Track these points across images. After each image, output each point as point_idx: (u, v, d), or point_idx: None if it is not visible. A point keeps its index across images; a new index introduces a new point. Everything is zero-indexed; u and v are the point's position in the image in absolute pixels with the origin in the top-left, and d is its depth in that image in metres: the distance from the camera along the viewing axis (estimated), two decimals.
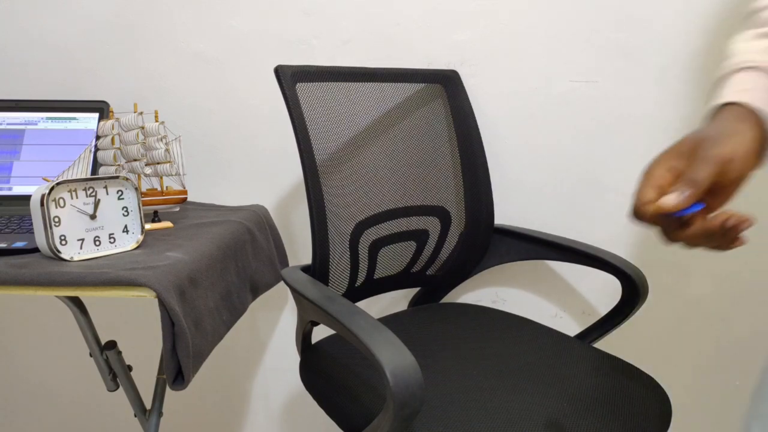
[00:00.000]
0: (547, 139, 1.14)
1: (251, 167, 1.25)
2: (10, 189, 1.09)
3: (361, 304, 1.28)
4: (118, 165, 1.01)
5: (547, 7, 1.09)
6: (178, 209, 1.10)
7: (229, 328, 0.92)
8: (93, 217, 0.84)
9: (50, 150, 1.11)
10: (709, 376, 1.21)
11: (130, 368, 0.99)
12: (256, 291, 1.07)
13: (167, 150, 1.01)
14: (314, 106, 0.91)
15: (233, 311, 0.95)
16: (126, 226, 0.87)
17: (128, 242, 0.88)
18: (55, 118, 1.13)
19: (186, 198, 1.05)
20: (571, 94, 1.12)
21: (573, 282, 1.21)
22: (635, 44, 1.07)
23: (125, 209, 0.87)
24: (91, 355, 0.96)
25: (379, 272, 1.02)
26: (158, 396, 0.98)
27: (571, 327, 1.23)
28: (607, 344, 1.22)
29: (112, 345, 0.95)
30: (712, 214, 0.49)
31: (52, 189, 0.78)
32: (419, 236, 1.05)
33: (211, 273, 0.89)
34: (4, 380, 1.47)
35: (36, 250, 0.84)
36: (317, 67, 0.93)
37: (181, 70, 1.22)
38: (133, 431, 1.47)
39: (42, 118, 1.13)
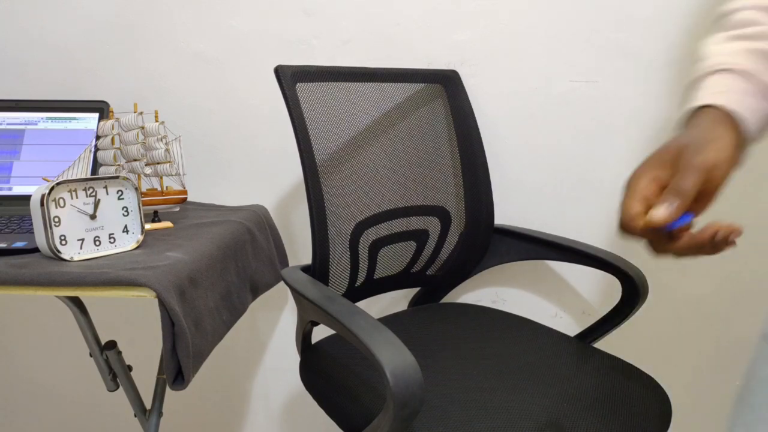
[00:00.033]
0: (547, 139, 1.14)
1: (251, 167, 1.25)
2: (10, 189, 1.09)
3: (361, 304, 1.28)
4: (118, 165, 1.01)
5: (547, 7, 1.09)
6: (178, 209, 1.10)
7: (229, 328, 0.92)
8: (93, 217, 0.84)
9: (50, 150, 1.11)
10: (709, 376, 1.21)
11: (130, 368, 0.99)
12: (256, 291, 1.07)
13: (167, 150, 1.01)
14: (314, 106, 0.91)
15: (233, 311, 0.95)
16: (126, 226, 0.87)
17: (128, 242, 0.88)
18: (55, 118, 1.13)
19: (186, 198, 1.05)
20: (571, 94, 1.12)
21: (573, 282, 1.21)
22: (635, 44, 1.07)
23: (125, 209, 0.87)
24: (91, 355, 0.96)
25: (379, 272, 1.02)
26: (158, 396, 0.98)
27: (571, 327, 1.23)
28: (607, 344, 1.22)
29: (112, 345, 0.95)
30: (700, 227, 0.48)
31: (52, 189, 0.78)
32: (419, 236, 1.05)
33: (211, 273, 0.89)
34: (4, 380, 1.47)
35: (36, 250, 0.84)
36: (317, 67, 0.93)
37: (181, 70, 1.22)
38: (133, 431, 1.47)
39: (42, 118, 1.13)
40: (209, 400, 1.42)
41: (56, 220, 0.79)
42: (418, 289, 1.19)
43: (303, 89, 0.90)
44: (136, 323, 1.38)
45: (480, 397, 0.77)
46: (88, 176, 0.87)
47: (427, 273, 1.10)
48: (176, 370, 0.78)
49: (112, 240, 0.86)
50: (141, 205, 0.89)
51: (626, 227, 0.50)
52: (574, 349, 0.92)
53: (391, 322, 1.02)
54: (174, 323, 0.75)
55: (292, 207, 1.26)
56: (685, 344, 1.20)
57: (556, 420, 0.73)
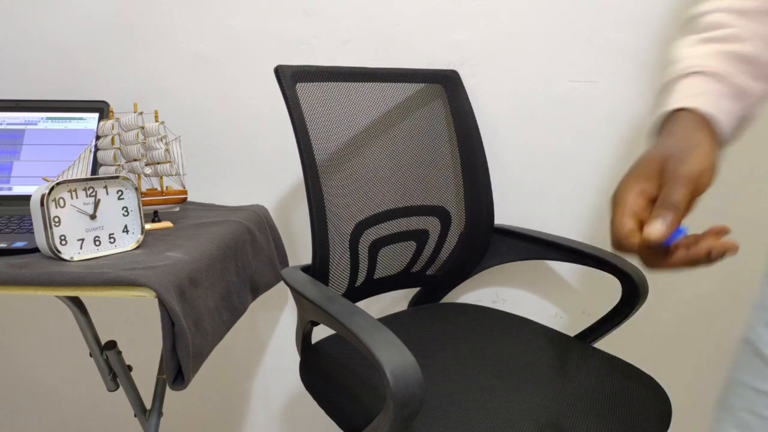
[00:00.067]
0: (547, 139, 1.14)
1: (251, 167, 1.25)
2: (10, 189, 1.09)
3: (361, 304, 1.28)
4: (118, 165, 1.01)
5: (547, 7, 1.09)
6: (178, 209, 1.10)
7: (229, 328, 0.92)
8: (93, 217, 0.84)
9: (50, 150, 1.11)
10: (709, 376, 1.21)
11: (130, 368, 0.99)
12: (256, 291, 1.07)
13: (167, 150, 1.01)
14: (314, 106, 0.91)
15: (233, 311, 0.95)
16: (126, 226, 0.87)
17: (128, 242, 0.88)
18: (55, 118, 1.13)
19: (186, 198, 1.05)
20: (571, 94, 1.12)
21: (573, 282, 1.21)
22: (635, 44, 1.07)
23: (125, 209, 0.87)
24: (91, 355, 0.96)
25: (379, 272, 1.02)
26: (158, 396, 0.98)
27: (571, 327, 1.23)
28: (607, 344, 1.22)
29: (112, 345, 0.95)
30: (695, 243, 0.46)
31: (52, 189, 0.78)
32: (419, 236, 1.05)
33: (211, 273, 0.89)
34: (4, 380, 1.47)
35: (36, 250, 0.84)
36: (317, 67, 0.93)
37: (181, 70, 1.22)
38: (133, 431, 1.47)
39: (42, 118, 1.13)
40: (209, 400, 1.42)
41: (56, 220, 0.79)
42: (418, 289, 1.19)
43: (303, 89, 0.90)
44: (136, 323, 1.38)
45: (480, 397, 0.77)
46: (88, 176, 0.87)
47: (427, 273, 1.10)
48: (176, 370, 0.78)
49: (112, 240, 0.86)
50: (141, 205, 0.89)
51: (620, 245, 0.49)
52: (574, 349, 0.92)
53: (391, 322, 1.02)
54: (174, 323, 0.75)
55: (292, 207, 1.26)
56: (685, 344, 1.20)
57: (556, 420, 0.73)
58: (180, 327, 0.75)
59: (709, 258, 0.45)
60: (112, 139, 1.02)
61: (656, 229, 0.46)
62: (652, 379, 0.84)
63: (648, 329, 1.21)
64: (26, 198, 1.08)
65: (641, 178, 0.50)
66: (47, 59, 1.25)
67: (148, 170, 1.00)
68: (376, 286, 1.02)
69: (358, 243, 0.96)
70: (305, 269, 0.90)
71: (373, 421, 0.67)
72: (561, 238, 1.05)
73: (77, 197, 0.82)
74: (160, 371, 0.99)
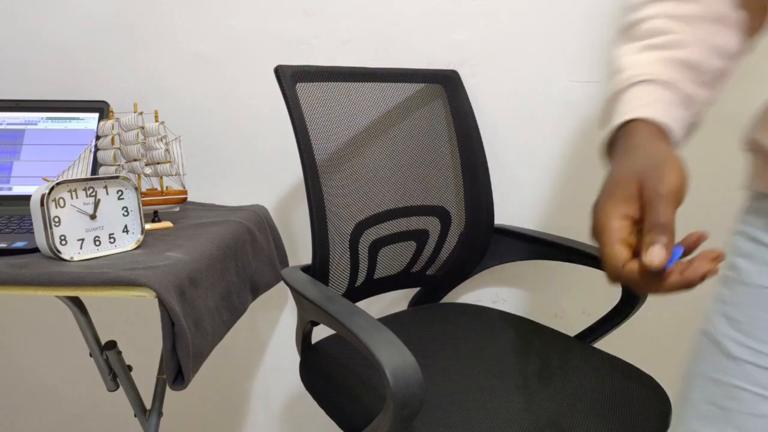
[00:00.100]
0: (547, 139, 1.14)
1: (251, 167, 1.25)
2: (10, 189, 1.09)
3: (361, 304, 1.28)
4: (118, 165, 1.01)
5: (547, 7, 1.09)
6: (178, 209, 1.10)
7: (229, 328, 0.92)
8: (93, 217, 0.84)
9: (50, 150, 1.11)
10: None
11: (130, 368, 0.99)
12: (256, 291, 1.07)
13: (167, 150, 1.01)
14: (314, 106, 0.91)
15: (233, 311, 0.95)
16: (126, 226, 0.87)
17: (128, 242, 0.88)
18: (55, 118, 1.13)
19: (186, 198, 1.05)
20: (571, 94, 1.12)
21: (573, 282, 1.21)
22: None
23: (125, 209, 0.87)
24: (91, 355, 0.96)
25: (379, 272, 1.02)
26: (158, 396, 0.99)
27: (571, 327, 1.23)
28: (607, 344, 1.22)
29: (112, 345, 0.95)
30: (689, 270, 0.44)
31: (52, 189, 0.78)
32: (419, 236, 1.05)
33: (211, 273, 0.89)
34: (4, 380, 1.47)
35: (36, 250, 0.84)
36: (317, 67, 0.93)
37: (181, 70, 1.22)
38: (133, 431, 1.47)
39: (42, 118, 1.13)
40: (209, 400, 1.42)
41: (56, 220, 0.79)
42: (418, 289, 1.19)
43: (303, 89, 0.90)
44: (136, 323, 1.38)
45: (480, 397, 0.77)
46: (88, 176, 0.87)
47: (427, 273, 1.10)
48: (176, 370, 0.78)
49: (112, 240, 0.86)
50: (141, 205, 0.89)
51: (618, 276, 0.46)
52: (574, 349, 0.92)
53: (391, 322, 1.02)
54: (174, 323, 0.75)
55: (292, 207, 1.26)
56: (685, 344, 1.20)
57: (556, 420, 0.73)
58: (180, 327, 0.75)
59: (704, 280, 0.44)
60: (112, 139, 1.02)
61: (657, 254, 0.43)
62: (652, 379, 0.84)
63: (648, 329, 1.21)
64: (26, 198, 1.08)
65: (620, 202, 0.47)
66: (47, 59, 1.25)
67: (148, 170, 1.00)
68: (376, 286, 1.02)
69: (358, 243, 0.96)
70: (305, 269, 0.90)
71: (373, 421, 0.67)
72: (561, 238, 1.05)
73: (77, 197, 0.82)
74: (160, 371, 0.99)
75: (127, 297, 0.75)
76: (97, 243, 0.84)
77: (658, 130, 0.51)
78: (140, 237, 0.88)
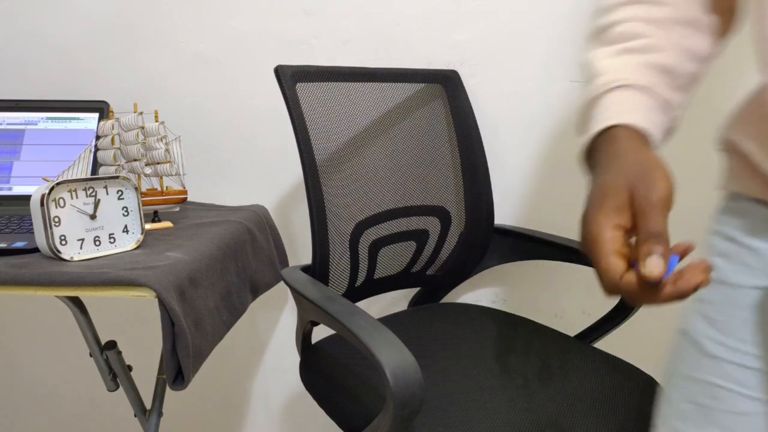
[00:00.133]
0: (547, 139, 1.14)
1: (251, 167, 1.25)
2: (10, 189, 1.09)
3: (361, 304, 1.28)
4: (118, 165, 1.01)
5: (547, 7, 1.09)
6: (178, 209, 1.10)
7: (229, 328, 0.92)
8: (93, 217, 0.84)
9: (50, 150, 1.11)
10: None
11: (130, 368, 0.99)
12: (256, 291, 1.07)
13: (167, 150, 1.01)
14: (314, 106, 0.91)
15: (233, 311, 0.95)
16: (126, 226, 0.87)
17: (128, 242, 0.88)
18: (55, 118, 1.13)
19: (186, 198, 1.05)
20: (571, 94, 1.12)
21: (573, 282, 1.21)
22: None
23: (125, 209, 0.87)
24: (91, 355, 0.96)
25: (379, 272, 1.02)
26: (158, 396, 0.99)
27: (571, 327, 1.23)
28: (607, 344, 1.22)
29: (112, 345, 0.95)
30: (682, 280, 0.43)
31: (52, 189, 0.78)
32: (419, 236, 1.05)
33: (211, 273, 0.89)
34: (4, 380, 1.47)
35: (36, 250, 0.84)
36: (317, 67, 0.93)
37: (181, 70, 1.22)
38: (133, 431, 1.47)
39: (42, 118, 1.13)
40: (209, 400, 1.42)
41: (56, 220, 0.79)
42: (418, 289, 1.19)
43: (303, 89, 0.90)
44: (136, 323, 1.38)
45: (480, 397, 0.77)
46: (88, 176, 0.87)
47: (427, 273, 1.10)
48: (176, 370, 0.78)
49: (112, 240, 0.86)
50: (141, 205, 0.89)
51: (616, 288, 0.44)
52: (574, 349, 0.92)
53: (391, 322, 1.02)
54: (174, 323, 0.75)
55: (292, 207, 1.26)
56: None
57: (556, 420, 0.73)
58: (180, 327, 0.75)
59: (697, 290, 0.44)
60: (112, 139, 1.02)
61: (656, 265, 0.42)
62: (652, 379, 0.84)
63: (648, 329, 1.21)
64: (26, 198, 1.08)
65: (612, 211, 0.46)
66: (47, 59, 1.25)
67: (148, 170, 1.00)
68: (376, 286, 1.02)
69: (358, 243, 0.96)
70: (305, 269, 0.90)
71: (373, 421, 0.67)
72: (561, 238, 1.05)
73: (77, 197, 0.82)
74: (160, 371, 0.99)
75: (127, 297, 0.75)
76: (97, 243, 0.84)
77: (640, 136, 0.51)
78: (140, 237, 0.88)
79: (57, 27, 1.23)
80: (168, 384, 0.78)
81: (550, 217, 1.18)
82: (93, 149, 1.09)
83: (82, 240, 0.82)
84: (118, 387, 0.98)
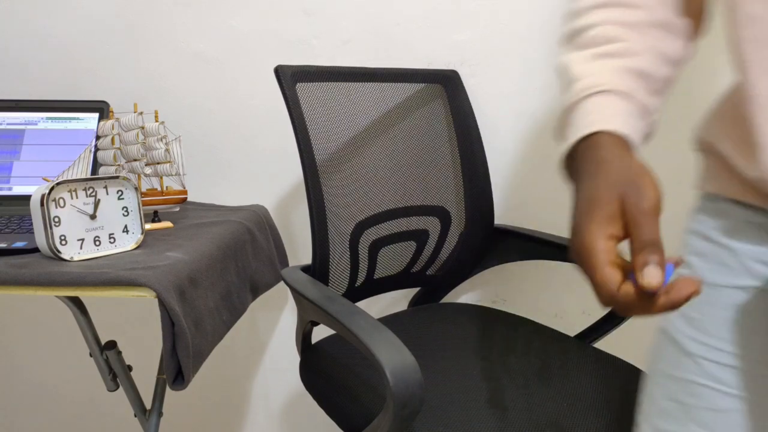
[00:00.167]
0: (547, 139, 1.14)
1: (251, 167, 1.25)
2: (10, 189, 1.09)
3: (361, 304, 1.28)
4: (118, 165, 1.01)
5: (547, 8, 1.09)
6: (178, 209, 1.10)
7: (229, 328, 0.92)
8: (93, 217, 0.84)
9: (50, 150, 1.11)
10: None
11: (130, 368, 0.99)
12: (256, 291, 1.07)
13: (167, 150, 1.01)
14: (314, 106, 0.91)
15: (233, 311, 0.95)
16: (126, 226, 0.87)
17: (128, 242, 0.88)
18: (55, 118, 1.13)
19: (186, 198, 1.05)
20: None
21: (573, 282, 1.21)
22: None
23: (125, 209, 0.87)
24: (91, 355, 0.96)
25: (379, 272, 1.02)
26: (158, 396, 0.98)
27: (571, 327, 1.23)
28: (607, 344, 1.22)
29: (112, 345, 0.95)
30: (674, 291, 0.42)
31: (52, 189, 0.78)
32: (419, 236, 1.05)
33: (211, 273, 0.89)
34: (4, 380, 1.47)
35: (36, 250, 0.84)
36: (317, 67, 0.93)
37: (181, 70, 1.22)
38: (133, 431, 1.47)
39: (42, 118, 1.13)
40: (209, 400, 1.42)
41: (56, 220, 0.79)
42: (418, 289, 1.19)
43: (303, 89, 0.90)
44: (136, 323, 1.38)
45: (480, 397, 0.77)
46: (88, 176, 0.87)
47: (427, 273, 1.10)
48: (176, 370, 0.78)
49: (112, 240, 0.86)
50: (141, 205, 0.89)
51: (613, 300, 0.43)
52: (574, 349, 0.92)
53: (391, 322, 1.02)
54: (174, 323, 0.75)
55: (292, 207, 1.26)
56: None
57: (556, 420, 0.73)
58: (180, 327, 0.75)
59: (689, 299, 0.42)
60: (112, 139, 1.02)
61: (654, 275, 0.41)
62: None
63: (648, 329, 1.21)
64: (26, 198, 1.08)
65: (604, 223, 0.45)
66: (47, 59, 1.25)
67: (148, 170, 1.00)
68: (376, 286, 1.02)
69: (358, 243, 0.96)
70: (305, 269, 0.90)
71: (373, 421, 0.67)
72: (561, 238, 1.05)
73: (77, 197, 0.82)
74: (160, 371, 0.99)
75: (127, 297, 0.75)
76: (97, 243, 0.84)
77: (623, 143, 0.50)
78: (140, 237, 0.88)
79: (57, 27, 1.23)
80: (168, 384, 0.78)
81: (550, 217, 1.18)
82: (93, 149, 1.09)
83: (82, 240, 0.82)
84: (118, 387, 0.98)
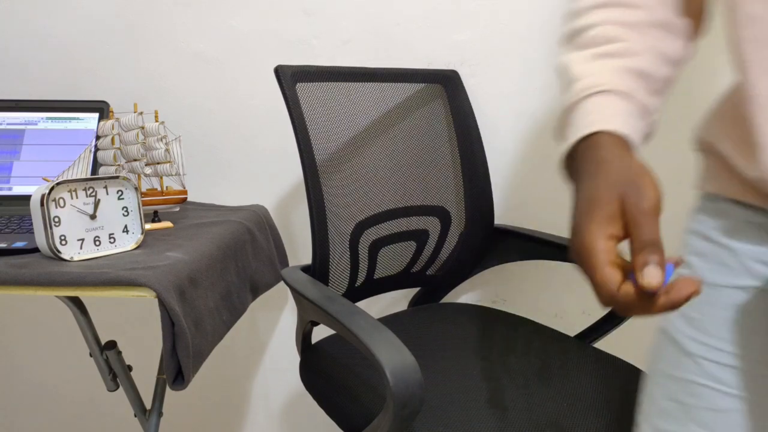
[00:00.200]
0: (547, 139, 1.14)
1: (251, 167, 1.25)
2: (10, 189, 1.09)
3: (361, 304, 1.28)
4: (118, 165, 1.01)
5: (547, 8, 1.09)
6: (178, 209, 1.10)
7: (229, 328, 0.92)
8: (93, 217, 0.84)
9: (50, 150, 1.11)
10: None
11: (130, 368, 0.99)
12: (256, 291, 1.07)
13: (167, 150, 1.01)
14: (314, 106, 0.91)
15: (233, 311, 0.95)
16: (126, 226, 0.87)
17: (128, 242, 0.88)
18: (55, 118, 1.13)
19: (186, 198, 1.05)
20: None
21: (573, 282, 1.21)
22: None
23: (125, 209, 0.87)
24: (91, 355, 0.96)
25: (379, 272, 1.02)
26: (158, 396, 0.98)
27: (571, 327, 1.23)
28: (607, 344, 1.22)
29: (112, 345, 0.95)
30: (674, 291, 0.42)
31: (52, 189, 0.78)
32: (419, 236, 1.05)
33: (211, 273, 0.89)
34: (4, 380, 1.47)
35: (36, 250, 0.84)
36: (317, 67, 0.93)
37: (181, 70, 1.22)
38: (133, 431, 1.47)
39: (42, 118, 1.13)
40: (209, 400, 1.42)
41: (56, 220, 0.79)
42: (418, 289, 1.19)
43: (303, 89, 0.90)
44: (136, 323, 1.38)
45: (480, 397, 0.77)
46: (88, 176, 0.87)
47: (427, 273, 1.10)
48: (176, 370, 0.78)
49: (112, 240, 0.86)
50: (141, 205, 0.89)
51: (613, 300, 0.43)
52: (574, 349, 0.92)
53: (391, 322, 1.02)
54: (174, 323, 0.75)
55: (292, 207, 1.26)
56: None
57: (556, 420, 0.73)
58: (180, 327, 0.75)
59: (689, 299, 0.42)
60: (112, 139, 1.02)
61: (654, 275, 0.41)
62: None
63: (648, 329, 1.21)
64: (26, 198, 1.08)
65: (604, 221, 0.45)
66: (47, 59, 1.25)
67: (148, 170, 1.00)
68: (376, 286, 1.02)
69: (358, 243, 0.96)
70: (305, 269, 0.90)
71: (373, 421, 0.67)
72: (561, 238, 1.05)
73: (77, 197, 0.82)
74: (160, 371, 0.99)
75: (127, 297, 0.75)
76: (97, 243, 0.84)
77: (623, 143, 0.50)
78: (140, 237, 0.88)
79: (57, 27, 1.23)
80: (168, 384, 0.78)
81: (550, 217, 1.18)
82: (93, 149, 1.09)
83: (82, 240, 0.82)
84: (118, 387, 0.98)
